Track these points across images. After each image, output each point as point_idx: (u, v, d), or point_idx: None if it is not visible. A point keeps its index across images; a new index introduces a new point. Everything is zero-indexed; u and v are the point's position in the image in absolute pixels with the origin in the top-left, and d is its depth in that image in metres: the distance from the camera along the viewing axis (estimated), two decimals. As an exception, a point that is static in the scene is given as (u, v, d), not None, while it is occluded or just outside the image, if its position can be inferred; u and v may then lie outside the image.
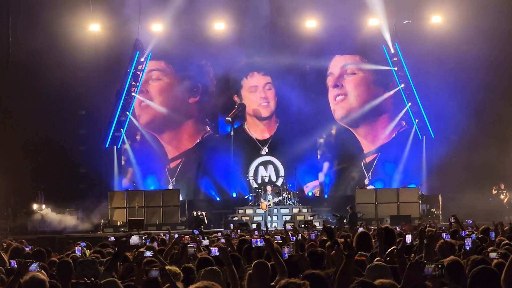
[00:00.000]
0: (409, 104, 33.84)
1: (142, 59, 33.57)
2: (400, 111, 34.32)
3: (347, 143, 34.57)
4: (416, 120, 33.80)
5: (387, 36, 32.97)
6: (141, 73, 33.81)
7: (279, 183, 33.48)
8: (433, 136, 33.28)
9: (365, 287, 5.97)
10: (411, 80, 33.42)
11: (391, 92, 34.32)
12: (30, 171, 30.62)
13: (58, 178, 32.18)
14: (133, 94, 33.81)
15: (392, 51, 33.40)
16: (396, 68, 33.71)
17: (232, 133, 33.61)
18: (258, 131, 35.04)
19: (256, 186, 32.95)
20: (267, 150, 34.60)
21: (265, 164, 34.63)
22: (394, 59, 33.55)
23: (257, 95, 34.82)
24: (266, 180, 33.81)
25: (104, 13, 32.36)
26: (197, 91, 34.62)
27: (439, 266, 5.99)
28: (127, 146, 34.17)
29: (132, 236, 9.80)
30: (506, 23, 30.60)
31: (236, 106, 34.45)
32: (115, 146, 33.85)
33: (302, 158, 33.97)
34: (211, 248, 8.40)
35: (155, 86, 34.74)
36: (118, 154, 34.09)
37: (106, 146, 33.55)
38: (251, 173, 34.20)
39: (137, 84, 33.83)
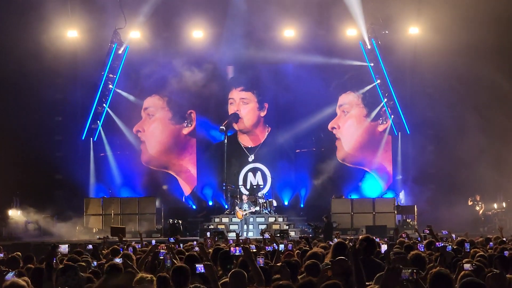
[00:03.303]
0: (385, 100, 33.84)
1: (120, 52, 33.49)
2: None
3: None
4: (392, 116, 33.87)
5: (364, 34, 33.05)
6: (119, 65, 33.68)
7: (265, 189, 33.48)
8: (408, 132, 33.39)
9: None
10: (387, 76, 33.44)
11: (383, 124, 34.37)
12: (5, 176, 30.37)
13: (34, 184, 31.92)
14: (110, 86, 33.74)
15: (369, 47, 33.43)
16: (372, 64, 33.75)
17: (225, 141, 33.36)
18: (246, 139, 34.94)
19: (247, 192, 32.83)
20: (253, 158, 34.56)
21: (253, 170, 34.57)
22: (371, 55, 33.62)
23: (245, 105, 34.61)
24: (242, 189, 33.72)
25: (82, 19, 32.23)
26: (189, 119, 34.57)
27: (415, 271, 6.37)
28: (108, 153, 33.97)
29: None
30: (485, 36, 30.75)
31: (229, 115, 34.31)
32: (91, 139, 33.74)
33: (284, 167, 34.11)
34: (197, 266, 8.38)
35: (151, 126, 34.51)
36: (95, 156, 33.84)
37: (83, 138, 33.47)
38: (240, 179, 34.17)
39: (115, 76, 33.75)
